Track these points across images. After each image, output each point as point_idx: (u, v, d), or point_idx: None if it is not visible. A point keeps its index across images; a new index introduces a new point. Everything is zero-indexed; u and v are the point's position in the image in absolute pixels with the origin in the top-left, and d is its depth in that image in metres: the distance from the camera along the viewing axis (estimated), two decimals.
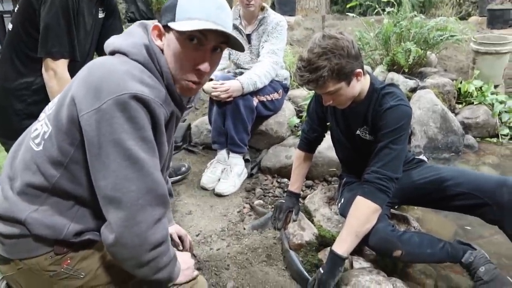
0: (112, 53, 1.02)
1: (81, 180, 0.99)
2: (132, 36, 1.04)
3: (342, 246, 1.50)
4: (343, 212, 1.79)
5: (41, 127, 1.04)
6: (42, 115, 1.08)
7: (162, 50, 1.03)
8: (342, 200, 1.83)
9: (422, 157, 1.99)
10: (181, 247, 1.44)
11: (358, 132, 1.66)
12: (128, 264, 0.97)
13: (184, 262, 1.14)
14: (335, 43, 1.42)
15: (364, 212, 1.51)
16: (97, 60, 1.02)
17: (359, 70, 1.49)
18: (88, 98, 0.91)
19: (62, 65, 1.71)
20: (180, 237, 1.45)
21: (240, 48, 1.06)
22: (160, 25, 1.03)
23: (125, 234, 0.92)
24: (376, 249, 1.59)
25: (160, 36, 1.04)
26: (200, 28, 0.97)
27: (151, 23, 1.07)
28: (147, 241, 0.94)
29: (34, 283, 1.05)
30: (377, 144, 1.54)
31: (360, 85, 1.55)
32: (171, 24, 0.99)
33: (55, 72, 1.70)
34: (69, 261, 1.04)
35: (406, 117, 1.53)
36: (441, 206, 1.78)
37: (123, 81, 0.91)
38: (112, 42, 1.04)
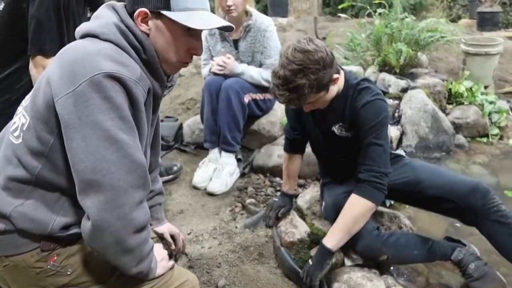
0: (83, 37, 1.00)
1: (63, 170, 0.96)
2: (101, 17, 1.02)
3: (333, 240, 1.51)
4: (327, 216, 1.78)
5: (19, 119, 1.02)
6: (19, 109, 1.07)
7: (147, 34, 1.01)
8: (324, 204, 1.83)
9: (399, 151, 2.00)
10: (173, 246, 1.42)
11: (333, 128, 1.65)
12: (112, 251, 0.94)
13: (158, 253, 1.10)
14: (309, 57, 1.37)
15: (361, 211, 1.50)
16: (69, 45, 1.00)
17: (336, 75, 1.47)
18: (63, 82, 0.89)
19: None
20: (172, 236, 1.43)
21: (229, 28, 1.07)
22: (147, 11, 0.99)
23: (107, 218, 0.89)
24: (362, 255, 1.62)
25: (146, 21, 1.01)
26: (214, 27, 1.02)
27: (119, 4, 1.04)
28: (130, 224, 0.91)
29: (20, 280, 1.03)
30: (362, 141, 1.54)
31: (337, 87, 1.54)
32: (169, 14, 0.98)
33: (45, 69, 1.68)
34: (55, 257, 1.02)
35: (384, 111, 1.53)
36: (421, 207, 1.80)
37: (95, 61, 0.89)
38: (81, 28, 1.02)
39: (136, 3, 1.00)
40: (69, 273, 1.03)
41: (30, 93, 1.03)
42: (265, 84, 2.41)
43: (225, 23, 1.05)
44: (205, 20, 1.01)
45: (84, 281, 1.05)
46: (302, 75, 1.37)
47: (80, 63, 0.90)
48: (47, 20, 1.62)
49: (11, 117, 1.76)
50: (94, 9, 1.92)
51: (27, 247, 1.00)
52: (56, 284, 1.03)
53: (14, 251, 0.99)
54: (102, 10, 1.04)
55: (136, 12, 0.99)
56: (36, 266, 1.00)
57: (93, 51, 0.92)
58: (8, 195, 0.99)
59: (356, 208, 1.51)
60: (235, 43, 2.47)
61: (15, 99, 1.74)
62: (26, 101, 1.04)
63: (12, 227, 0.98)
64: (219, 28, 1.07)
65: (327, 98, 1.52)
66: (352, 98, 1.57)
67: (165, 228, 1.41)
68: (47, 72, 0.96)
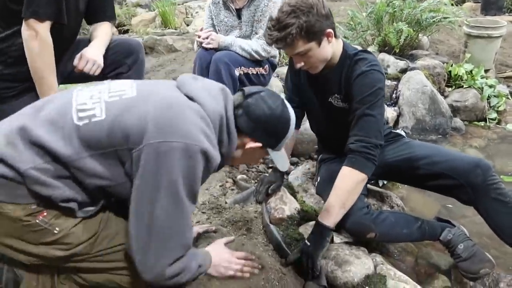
0: (190, 97, 1.09)
1: (109, 172, 1.02)
2: (215, 100, 1.12)
3: (329, 217, 1.46)
4: (320, 191, 1.75)
5: (93, 105, 1.04)
6: (97, 94, 1.07)
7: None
8: (319, 178, 1.80)
9: (399, 131, 1.96)
10: None
11: (330, 99, 1.62)
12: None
13: (225, 260, 1.29)
14: (304, 0, 1.39)
15: (352, 183, 1.46)
16: (180, 98, 1.08)
17: (330, 30, 1.44)
18: (158, 129, 0.98)
19: (45, 26, 1.62)
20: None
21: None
22: (260, 144, 1.18)
23: (145, 269, 1.03)
24: (350, 232, 1.59)
25: (245, 141, 1.19)
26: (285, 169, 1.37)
27: (233, 96, 1.19)
28: (163, 276, 1.04)
29: (4, 227, 1.00)
30: (354, 112, 1.50)
31: (331, 48, 1.50)
32: (271, 153, 1.24)
33: (37, 32, 1.62)
34: (45, 213, 1.01)
35: (379, 82, 1.48)
36: (417, 185, 1.76)
37: (197, 133, 1.01)
38: (191, 87, 1.12)
39: (251, 128, 1.16)
40: (55, 231, 1.02)
41: (122, 96, 1.07)
42: (256, 56, 2.36)
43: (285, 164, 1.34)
44: (283, 161, 1.31)
45: (68, 242, 1.04)
46: (293, 15, 1.38)
47: (182, 124, 1.01)
48: None
49: (4, 80, 1.72)
50: None
51: (24, 199, 0.98)
52: (38, 241, 1.02)
53: (9, 200, 0.98)
54: (218, 92, 1.15)
55: (248, 144, 1.18)
56: (24, 219, 0.99)
57: (198, 123, 1.04)
58: (31, 153, 0.98)
59: (348, 181, 1.47)
60: (238, 12, 2.41)
61: (11, 62, 1.68)
62: (110, 96, 1.06)
63: (20, 180, 0.97)
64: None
65: (319, 56, 1.47)
66: (348, 68, 1.53)
67: None
68: (147, 106, 1.03)
